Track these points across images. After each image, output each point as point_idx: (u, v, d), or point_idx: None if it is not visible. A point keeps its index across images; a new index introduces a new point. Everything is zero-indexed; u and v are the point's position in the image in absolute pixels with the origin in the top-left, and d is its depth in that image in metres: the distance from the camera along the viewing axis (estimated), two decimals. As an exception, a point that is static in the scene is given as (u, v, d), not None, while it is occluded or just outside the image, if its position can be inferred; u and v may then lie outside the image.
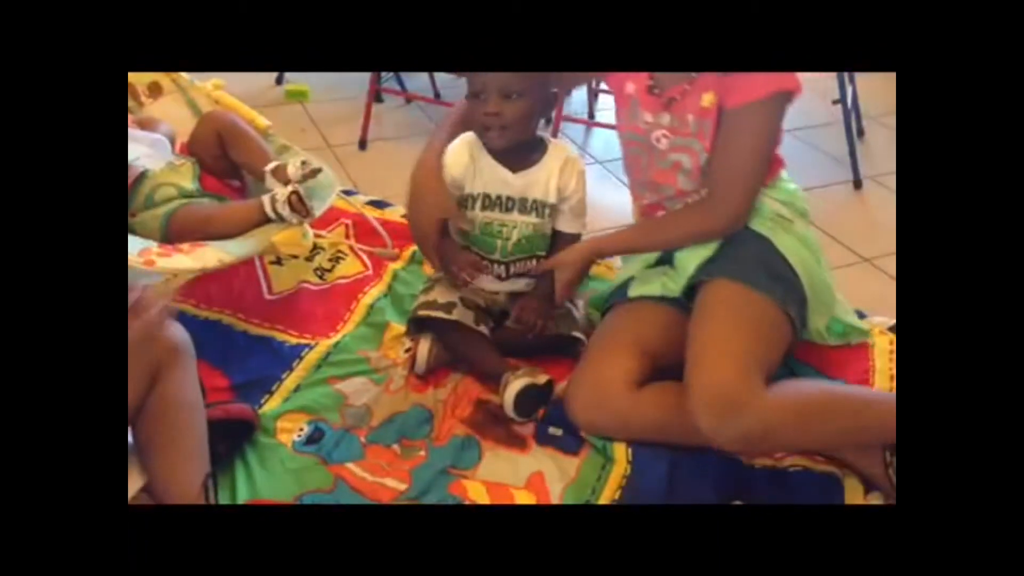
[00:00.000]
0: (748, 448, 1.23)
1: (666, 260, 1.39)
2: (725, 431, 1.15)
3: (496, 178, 1.36)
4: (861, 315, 1.57)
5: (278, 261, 1.66)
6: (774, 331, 1.25)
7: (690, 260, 1.32)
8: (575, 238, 1.43)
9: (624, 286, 1.42)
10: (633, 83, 1.32)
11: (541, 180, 1.37)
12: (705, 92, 1.24)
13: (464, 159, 1.36)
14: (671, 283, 1.35)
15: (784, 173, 1.38)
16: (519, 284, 1.45)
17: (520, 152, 1.36)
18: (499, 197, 1.37)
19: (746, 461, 1.25)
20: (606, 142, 2.42)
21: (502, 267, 1.43)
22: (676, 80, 1.27)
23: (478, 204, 1.38)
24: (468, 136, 1.38)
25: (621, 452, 1.26)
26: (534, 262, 1.44)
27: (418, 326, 1.43)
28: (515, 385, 1.31)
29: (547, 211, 1.38)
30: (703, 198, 1.32)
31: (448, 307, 1.39)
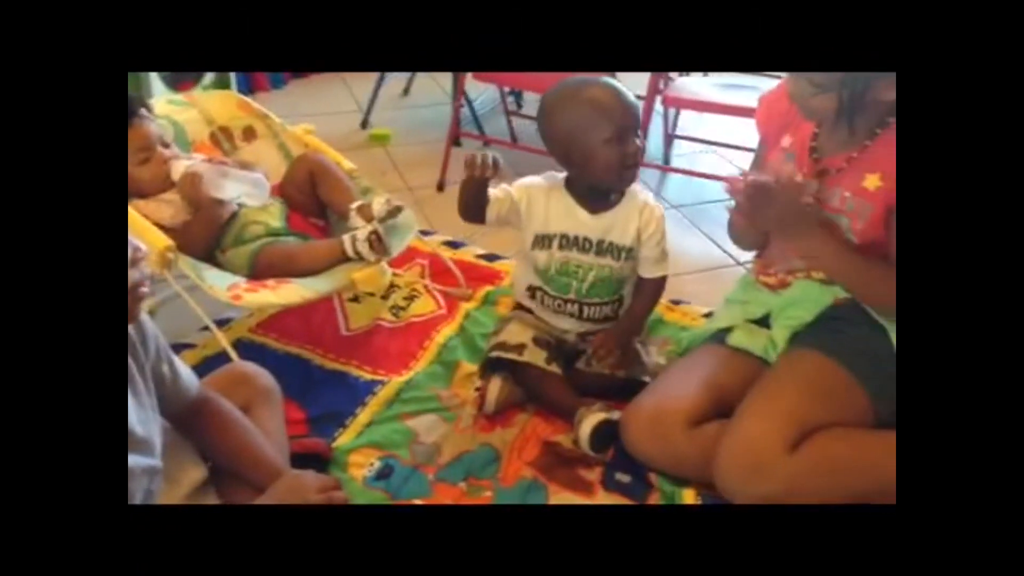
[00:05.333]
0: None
1: (764, 324, 1.35)
2: (746, 491, 1.14)
3: (575, 219, 1.39)
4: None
5: (355, 298, 1.72)
6: (844, 410, 1.17)
7: (781, 334, 1.30)
8: (659, 282, 1.43)
9: (720, 333, 1.38)
10: (792, 137, 1.27)
11: (619, 223, 1.38)
12: (870, 172, 1.15)
13: (541, 198, 1.39)
14: (772, 350, 1.31)
15: None
16: (589, 324, 1.46)
17: (600, 195, 1.38)
18: (576, 237, 1.39)
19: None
20: (680, 189, 2.42)
21: (576, 306, 1.44)
22: (840, 147, 1.19)
23: (555, 243, 1.40)
24: (549, 180, 1.41)
25: (690, 500, 1.24)
26: (608, 307, 1.44)
27: (492, 367, 1.45)
28: (591, 419, 1.31)
29: (623, 254, 1.39)
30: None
31: (519, 348, 1.41)
